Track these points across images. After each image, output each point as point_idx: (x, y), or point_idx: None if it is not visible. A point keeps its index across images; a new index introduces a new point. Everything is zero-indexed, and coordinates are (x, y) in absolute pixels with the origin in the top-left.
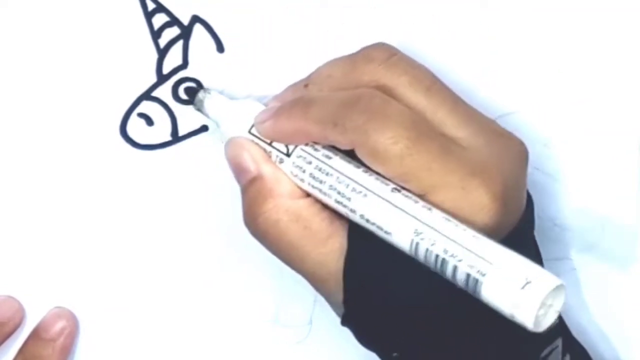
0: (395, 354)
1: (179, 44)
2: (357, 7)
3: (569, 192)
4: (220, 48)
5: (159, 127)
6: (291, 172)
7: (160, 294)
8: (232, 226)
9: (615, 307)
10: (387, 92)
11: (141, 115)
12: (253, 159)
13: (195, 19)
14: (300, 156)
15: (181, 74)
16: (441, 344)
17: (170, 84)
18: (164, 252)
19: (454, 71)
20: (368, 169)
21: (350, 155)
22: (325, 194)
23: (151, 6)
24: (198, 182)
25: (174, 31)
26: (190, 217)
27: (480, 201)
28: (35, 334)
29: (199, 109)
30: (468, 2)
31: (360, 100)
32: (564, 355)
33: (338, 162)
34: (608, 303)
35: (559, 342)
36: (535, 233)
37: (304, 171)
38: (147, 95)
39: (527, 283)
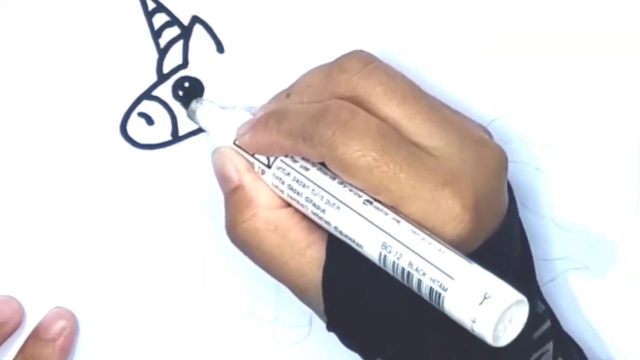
0: (378, 359)
1: (179, 43)
2: (357, 7)
3: (568, 192)
4: (220, 48)
5: (159, 126)
6: (272, 183)
7: (160, 293)
8: None
9: (615, 307)
10: (361, 102)
11: (141, 114)
12: (236, 169)
13: (196, 19)
14: (280, 167)
15: (181, 74)
16: (423, 349)
17: (171, 83)
18: (163, 251)
19: (452, 72)
20: (343, 180)
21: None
22: (302, 205)
23: (151, 6)
24: (198, 181)
25: (174, 31)
26: (190, 217)
27: (452, 212)
28: (35, 334)
29: (192, 118)
30: (466, 2)
31: (328, 113)
32: (555, 358)
33: (315, 173)
34: (608, 303)
35: (549, 347)
36: (535, 233)
37: (283, 182)
38: (147, 95)
39: (486, 298)
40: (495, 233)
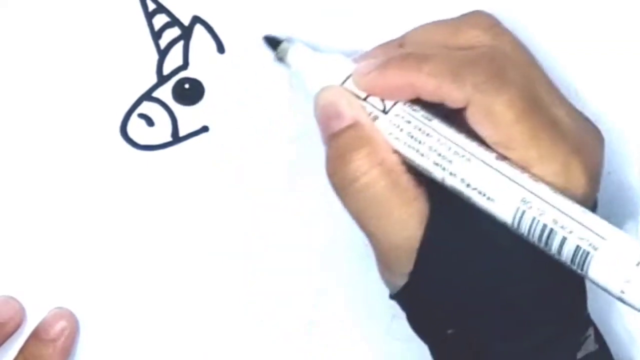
0: (450, 331)
1: (180, 44)
2: (359, 10)
3: None
4: (220, 49)
5: (160, 127)
6: (386, 130)
7: (160, 294)
8: (232, 226)
9: (614, 307)
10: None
11: (141, 115)
12: (351, 106)
13: (196, 19)
14: (398, 114)
15: (182, 75)
16: (497, 324)
17: (171, 84)
18: (164, 252)
19: None
20: (469, 136)
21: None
22: (423, 154)
23: (152, 7)
24: (198, 182)
25: (175, 32)
26: (190, 218)
27: (578, 179)
28: (36, 335)
29: (281, 59)
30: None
31: (482, 60)
32: (595, 344)
33: (438, 124)
34: (608, 303)
35: (591, 331)
36: None
37: (401, 130)
38: (147, 96)
39: None
40: (594, 206)
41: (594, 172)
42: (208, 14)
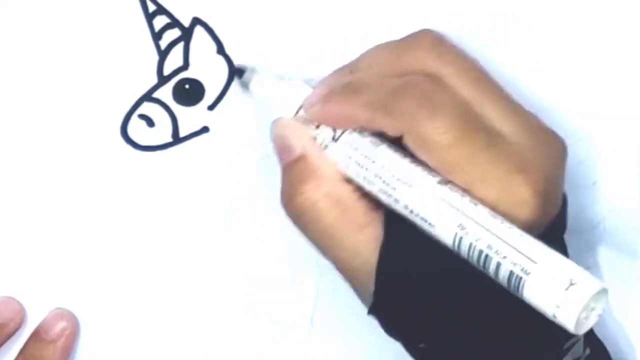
0: (422, 345)
1: (180, 45)
2: (358, 10)
3: (569, 192)
4: (220, 50)
5: (160, 128)
6: (336, 158)
7: (161, 294)
8: (232, 227)
9: (615, 307)
10: (434, 81)
11: (142, 116)
12: (299, 139)
13: (196, 20)
14: (347, 142)
15: (182, 75)
16: (469, 336)
17: (171, 85)
18: (164, 253)
19: None
20: (414, 160)
21: (396, 145)
22: (369, 181)
23: (152, 8)
24: (199, 183)
25: (175, 33)
26: (190, 219)
27: (523, 197)
28: (36, 335)
29: (245, 87)
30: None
31: (412, 87)
32: (584, 349)
33: (384, 150)
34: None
35: (580, 335)
36: None
37: (349, 157)
38: (148, 97)
39: (572, 285)
40: (553, 221)
41: (545, 188)
42: (208, 16)
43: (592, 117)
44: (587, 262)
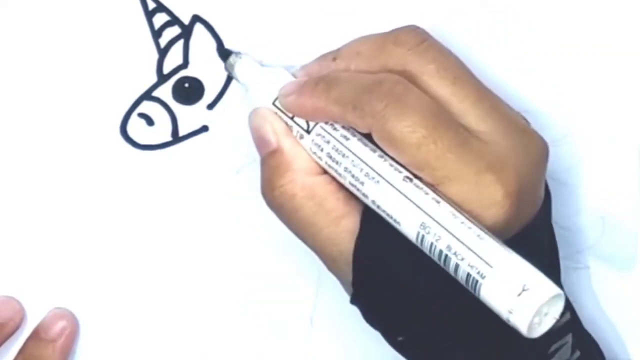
0: (400, 338)
1: (180, 43)
2: (358, 9)
3: (569, 192)
4: (221, 48)
5: (160, 127)
6: (310, 149)
7: (160, 294)
8: (232, 226)
9: (614, 307)
10: (412, 78)
11: (141, 115)
12: (274, 132)
13: (196, 18)
14: (320, 134)
15: (182, 74)
16: (447, 331)
17: (171, 83)
18: (164, 252)
19: None
20: (384, 153)
21: (368, 138)
22: (340, 175)
23: (152, 5)
24: (198, 182)
25: (175, 30)
26: (190, 218)
27: (493, 197)
28: (36, 335)
29: (230, 72)
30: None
31: (382, 85)
32: (573, 351)
33: (355, 144)
34: (607, 303)
35: (569, 338)
36: None
37: (321, 150)
38: (147, 95)
39: (524, 290)
40: (532, 222)
41: (519, 188)
42: (208, 13)
43: (592, 116)
44: (587, 262)
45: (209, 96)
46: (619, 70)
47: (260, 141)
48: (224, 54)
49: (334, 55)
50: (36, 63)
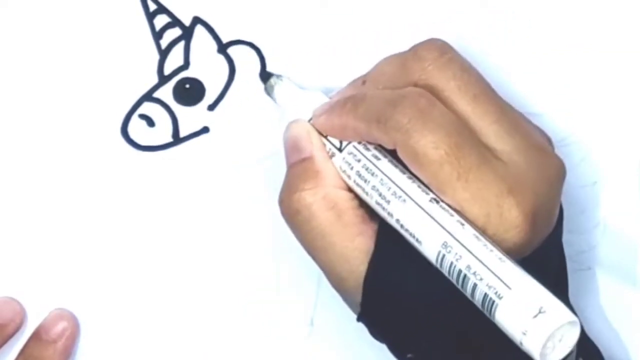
0: (409, 356)
1: (181, 44)
2: (358, 8)
3: (569, 193)
4: (221, 49)
5: (160, 128)
6: (340, 167)
7: (161, 295)
8: (232, 226)
9: (615, 309)
10: (433, 94)
11: (142, 116)
12: (310, 141)
13: (197, 20)
14: (351, 153)
15: (182, 75)
16: (454, 350)
17: (172, 84)
18: (165, 253)
19: None
20: (412, 176)
21: (398, 159)
22: (367, 193)
23: (152, 7)
24: (199, 183)
25: (176, 32)
26: (191, 218)
27: (514, 220)
28: (36, 335)
29: (269, 94)
30: (467, 3)
31: (406, 99)
32: (577, 359)
33: (385, 164)
34: (608, 305)
35: (574, 348)
36: None
37: (351, 168)
38: (148, 97)
39: (541, 313)
40: (545, 242)
41: (536, 210)
42: (208, 15)
43: (592, 117)
44: (587, 262)
45: (209, 97)
46: (620, 70)
47: (293, 147)
48: (265, 76)
49: (363, 79)
50: (37, 64)
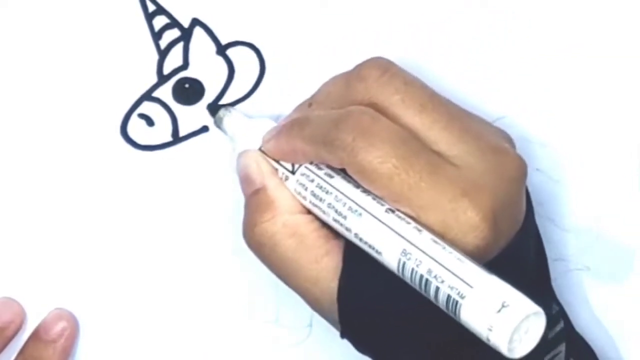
0: None
1: (180, 45)
2: (357, 9)
3: (567, 193)
4: (220, 50)
5: (160, 127)
6: (294, 190)
7: (161, 294)
8: (232, 227)
9: (609, 309)
10: (380, 110)
11: (142, 115)
12: (259, 172)
13: (195, 21)
14: (304, 174)
15: (182, 75)
16: (438, 356)
17: (171, 84)
18: (164, 253)
19: (455, 74)
20: (366, 189)
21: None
22: (324, 211)
23: (152, 8)
24: (198, 182)
25: (175, 33)
26: (190, 218)
27: (471, 222)
28: (36, 335)
29: (218, 126)
30: (467, 3)
31: (349, 118)
32: (567, 359)
33: (338, 181)
34: (603, 305)
35: (562, 348)
36: None
37: (306, 189)
38: (147, 96)
39: (504, 307)
40: (512, 242)
41: (496, 210)
42: (207, 16)
43: (592, 117)
44: (586, 262)
45: (209, 97)
46: (619, 71)
47: (245, 180)
48: (214, 108)
49: (310, 101)
50: (37, 64)
